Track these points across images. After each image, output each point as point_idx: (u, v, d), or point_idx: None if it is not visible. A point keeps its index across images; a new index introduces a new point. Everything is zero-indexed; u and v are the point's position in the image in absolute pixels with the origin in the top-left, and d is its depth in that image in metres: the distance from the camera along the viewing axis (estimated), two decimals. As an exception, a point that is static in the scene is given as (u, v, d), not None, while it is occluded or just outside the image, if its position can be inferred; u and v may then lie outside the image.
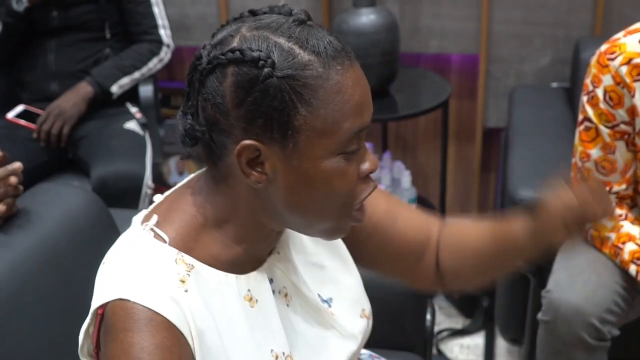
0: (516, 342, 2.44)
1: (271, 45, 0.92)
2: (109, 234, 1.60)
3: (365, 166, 1.01)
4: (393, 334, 1.71)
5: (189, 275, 0.99)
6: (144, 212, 1.07)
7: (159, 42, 2.65)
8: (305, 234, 1.08)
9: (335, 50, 0.94)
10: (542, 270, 2.08)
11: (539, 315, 1.78)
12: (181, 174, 3.26)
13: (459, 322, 2.68)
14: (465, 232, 1.27)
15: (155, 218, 1.03)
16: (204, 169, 1.05)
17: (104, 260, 1.04)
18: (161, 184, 2.74)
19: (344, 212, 1.01)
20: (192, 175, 1.10)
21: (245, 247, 1.04)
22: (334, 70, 0.93)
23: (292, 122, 0.92)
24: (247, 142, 0.93)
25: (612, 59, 1.70)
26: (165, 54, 2.67)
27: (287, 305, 1.10)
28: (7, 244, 1.41)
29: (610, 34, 1.82)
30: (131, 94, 2.64)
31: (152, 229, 1.01)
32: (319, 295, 1.14)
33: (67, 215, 1.54)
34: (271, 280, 1.09)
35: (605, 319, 1.69)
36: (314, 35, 0.94)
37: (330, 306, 1.15)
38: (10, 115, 2.50)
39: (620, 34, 1.74)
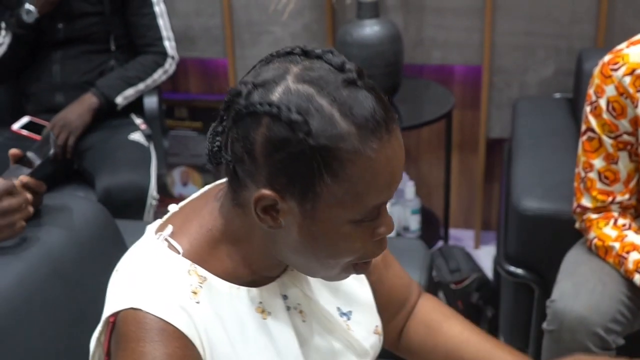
0: (521, 351, 2.43)
1: (312, 109, 0.89)
2: (116, 244, 1.61)
3: (381, 230, 0.98)
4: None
5: (201, 287, 0.99)
6: (158, 222, 1.07)
7: (163, 54, 2.66)
8: (306, 274, 1.07)
9: (377, 123, 0.90)
10: (546, 279, 2.08)
11: (544, 325, 1.78)
12: (185, 184, 3.27)
13: (463, 333, 2.67)
14: (448, 327, 1.27)
15: (170, 228, 1.03)
16: (225, 179, 1.04)
17: (117, 267, 1.04)
18: (165, 195, 2.75)
19: (347, 266, 1.01)
20: (211, 185, 1.10)
21: (255, 268, 1.04)
22: (370, 148, 0.90)
23: (315, 187, 0.91)
24: (267, 192, 0.92)
25: (616, 70, 1.71)
26: (170, 66, 2.68)
27: (304, 322, 1.10)
28: (14, 255, 1.42)
29: (612, 45, 1.83)
30: (136, 106, 2.65)
31: (166, 239, 1.02)
32: (338, 308, 1.15)
33: (73, 226, 1.54)
34: (285, 297, 1.08)
35: (610, 329, 1.69)
36: (360, 102, 0.91)
37: (349, 319, 1.15)
38: (16, 126, 2.51)
39: (623, 45, 1.75)
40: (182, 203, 1.10)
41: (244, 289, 1.03)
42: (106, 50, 2.64)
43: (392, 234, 2.87)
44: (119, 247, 1.61)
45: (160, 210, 2.54)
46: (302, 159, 0.89)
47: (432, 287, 1.77)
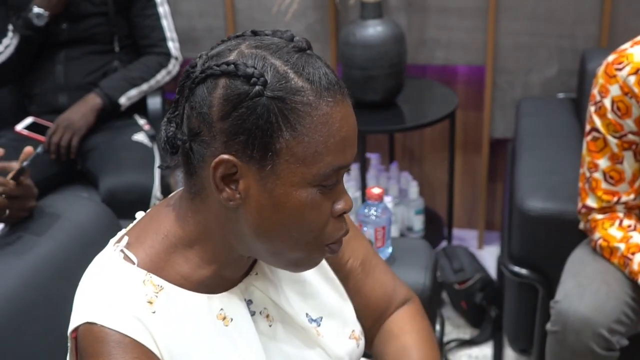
0: (525, 352, 2.43)
1: (267, 66, 0.92)
2: (119, 245, 1.61)
3: (340, 205, 0.99)
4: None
5: (157, 296, 0.99)
6: (120, 233, 1.07)
7: (167, 55, 2.66)
8: (271, 263, 1.05)
9: (330, 83, 0.94)
10: (550, 280, 2.08)
11: (548, 326, 1.78)
12: (189, 185, 3.27)
13: (467, 333, 2.68)
14: (395, 344, 1.24)
15: (125, 239, 1.03)
16: (182, 188, 1.04)
17: (80, 282, 1.04)
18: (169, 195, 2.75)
19: (312, 246, 0.99)
20: (171, 194, 1.10)
21: (215, 268, 1.03)
22: (325, 102, 0.93)
23: (274, 144, 0.92)
24: (226, 156, 0.93)
25: (620, 69, 1.71)
26: (173, 67, 2.68)
27: (270, 326, 1.09)
28: (18, 256, 1.42)
29: (616, 45, 1.83)
30: (139, 106, 2.65)
31: (122, 251, 1.01)
32: (307, 314, 1.13)
33: (78, 226, 1.54)
34: (250, 302, 1.08)
35: (614, 329, 1.69)
36: (311, 64, 0.94)
37: (319, 325, 1.14)
38: (19, 127, 2.51)
39: (627, 45, 1.75)
40: (149, 210, 1.10)
41: (203, 296, 1.02)
42: (110, 51, 2.64)
43: (396, 234, 2.89)
44: (123, 248, 1.61)
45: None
46: (259, 112, 0.91)
47: (436, 287, 1.77)
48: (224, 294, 1.05)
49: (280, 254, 1.00)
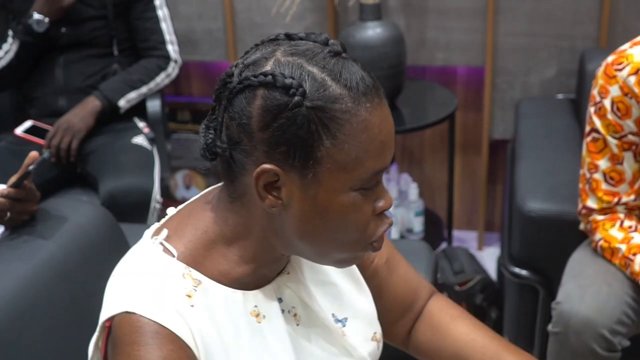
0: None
1: (304, 74, 0.92)
2: (120, 248, 1.60)
3: (381, 203, 1.00)
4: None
5: (195, 290, 0.99)
6: (155, 226, 1.08)
7: (166, 58, 2.66)
8: (315, 262, 1.07)
9: (367, 87, 0.94)
10: (550, 281, 2.08)
11: (550, 327, 1.78)
12: (188, 187, 3.27)
13: (467, 334, 2.67)
14: (455, 327, 1.27)
15: (165, 232, 1.03)
16: (220, 184, 1.05)
17: (113, 273, 1.04)
18: (169, 198, 2.75)
19: (356, 246, 1.01)
20: (207, 190, 1.10)
21: (254, 267, 1.04)
22: (364, 107, 0.93)
23: (315, 152, 0.92)
24: (267, 166, 0.93)
25: (620, 70, 1.71)
26: (172, 70, 2.68)
27: (297, 325, 1.10)
28: (19, 259, 1.42)
29: (615, 46, 1.83)
30: (139, 109, 2.65)
31: (161, 243, 1.02)
32: (333, 314, 1.14)
33: (78, 230, 1.54)
34: (280, 300, 1.08)
35: (615, 330, 1.69)
36: (348, 69, 0.94)
37: (344, 325, 1.15)
38: (19, 130, 2.51)
39: (626, 45, 1.75)
40: (180, 206, 1.10)
41: (239, 292, 1.03)
42: (109, 55, 2.64)
43: (396, 236, 2.88)
44: (123, 251, 1.59)
45: (164, 214, 2.55)
46: (299, 123, 0.91)
47: (437, 288, 1.76)
48: (258, 291, 1.05)
49: (325, 254, 1.01)
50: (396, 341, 1.30)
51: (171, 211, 1.10)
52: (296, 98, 0.91)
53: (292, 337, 1.08)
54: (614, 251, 1.78)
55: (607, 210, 1.81)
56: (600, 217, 1.82)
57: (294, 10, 2.84)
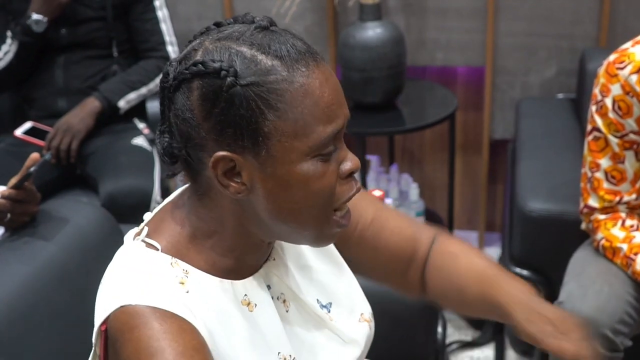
0: (526, 353, 2.43)
1: (233, 55, 0.92)
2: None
3: (346, 166, 0.99)
4: (405, 347, 1.70)
5: (187, 277, 0.99)
6: (134, 230, 1.07)
7: (166, 59, 2.66)
8: (292, 242, 1.06)
9: (299, 53, 0.94)
10: (551, 281, 2.07)
11: (551, 327, 1.77)
12: (188, 189, 3.26)
13: (468, 335, 2.67)
14: (456, 264, 1.25)
15: (145, 230, 1.03)
16: (187, 185, 1.05)
17: (102, 280, 1.03)
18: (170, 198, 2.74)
19: (326, 215, 0.99)
20: (176, 192, 1.10)
21: (237, 256, 1.03)
22: (299, 73, 0.93)
23: (262, 128, 0.92)
24: (221, 153, 0.93)
25: (622, 69, 1.70)
26: (172, 70, 2.68)
27: (287, 312, 1.10)
28: (19, 261, 1.42)
29: (615, 45, 1.83)
30: (139, 110, 2.65)
31: (143, 240, 1.02)
32: (317, 300, 1.14)
33: (78, 231, 1.54)
34: (269, 287, 1.08)
35: (617, 330, 1.69)
36: (277, 40, 0.94)
37: (329, 311, 1.15)
38: (18, 132, 2.50)
39: (628, 44, 1.74)
40: (155, 210, 1.10)
41: (227, 281, 1.02)
42: (109, 56, 2.64)
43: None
44: (124, 252, 1.61)
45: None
46: (238, 103, 0.91)
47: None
48: (246, 280, 1.05)
49: (299, 230, 1.00)
50: (412, 293, 1.29)
51: (148, 215, 1.09)
52: (229, 79, 0.91)
53: (284, 324, 1.08)
54: (615, 251, 1.78)
55: (609, 209, 1.81)
56: (601, 216, 1.82)
57: (294, 10, 2.84)
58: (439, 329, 1.83)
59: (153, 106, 2.66)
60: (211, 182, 0.97)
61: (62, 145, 2.47)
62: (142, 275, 0.97)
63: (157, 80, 2.62)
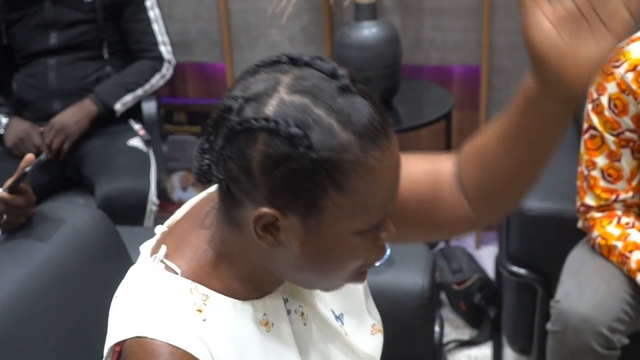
0: (524, 352, 2.43)
1: (310, 122, 0.85)
2: (117, 251, 1.60)
3: (383, 235, 0.96)
4: (402, 346, 1.70)
5: (205, 304, 0.97)
6: (150, 243, 1.05)
7: (160, 59, 2.66)
8: (305, 287, 1.05)
9: (376, 130, 0.88)
10: (549, 279, 2.07)
11: (548, 326, 1.78)
12: (185, 189, 3.27)
13: (466, 333, 2.67)
14: (480, 142, 1.13)
15: (164, 249, 1.00)
16: (211, 191, 1.02)
17: (117, 294, 1.02)
18: (165, 200, 2.74)
19: (351, 275, 0.99)
20: (199, 199, 1.07)
21: (257, 285, 1.01)
22: (371, 157, 0.88)
23: (319, 202, 0.88)
24: (268, 210, 0.88)
25: (617, 67, 1.70)
26: (167, 70, 2.68)
27: (304, 325, 1.07)
28: (16, 263, 1.41)
29: (611, 43, 1.82)
30: (134, 111, 2.65)
31: (162, 261, 0.99)
32: (332, 310, 1.11)
33: (74, 233, 1.54)
34: (286, 300, 1.06)
35: (614, 328, 1.69)
36: (357, 109, 0.88)
37: (343, 324, 1.12)
38: None
39: (624, 42, 1.74)
40: (168, 222, 1.07)
41: (247, 303, 1.00)
42: (100, 58, 2.63)
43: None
44: (120, 253, 1.61)
45: (160, 216, 2.54)
46: (304, 174, 0.86)
47: (435, 288, 1.76)
48: (266, 298, 1.03)
49: (317, 283, 1.00)
50: (460, 224, 1.10)
51: (160, 229, 1.06)
52: (301, 150, 0.85)
53: (300, 339, 1.06)
54: (611, 248, 1.78)
55: (605, 207, 1.81)
56: (598, 215, 1.82)
57: (290, 10, 2.84)
58: (437, 328, 1.83)
59: (149, 107, 2.66)
60: (245, 221, 0.92)
61: (54, 144, 2.47)
62: (162, 304, 0.95)
63: (153, 81, 2.63)
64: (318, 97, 0.87)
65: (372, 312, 1.18)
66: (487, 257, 2.99)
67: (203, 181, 0.95)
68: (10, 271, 1.40)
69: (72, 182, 2.60)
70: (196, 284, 0.97)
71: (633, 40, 1.73)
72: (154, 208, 2.42)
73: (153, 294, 0.96)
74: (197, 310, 0.96)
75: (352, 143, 0.86)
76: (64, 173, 2.58)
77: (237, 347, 0.98)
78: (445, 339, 2.61)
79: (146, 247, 1.05)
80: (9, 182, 1.52)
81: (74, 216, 1.58)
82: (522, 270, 2.14)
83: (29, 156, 1.52)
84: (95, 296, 1.49)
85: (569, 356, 1.73)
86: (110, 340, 0.97)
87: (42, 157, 1.59)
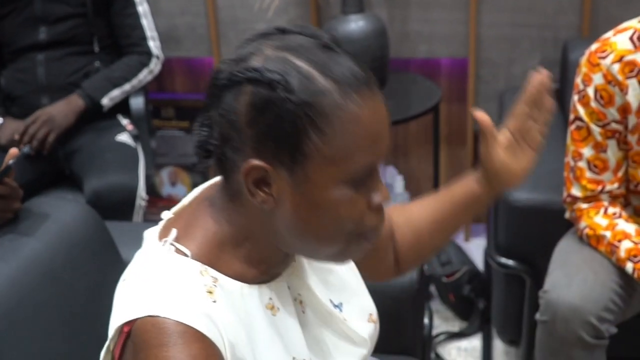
0: (513, 343, 2.44)
1: (290, 69, 0.91)
2: (106, 246, 1.60)
3: (376, 197, 0.98)
4: (392, 338, 1.71)
5: (215, 286, 0.99)
6: (157, 228, 1.07)
7: (148, 54, 2.65)
8: (312, 259, 1.07)
9: (356, 79, 0.92)
10: (537, 270, 2.08)
11: (537, 316, 1.78)
12: (174, 184, 3.26)
13: (455, 325, 2.68)
14: (416, 218, 1.31)
15: (174, 232, 1.02)
16: (216, 179, 1.04)
17: (124, 277, 1.03)
18: (154, 196, 2.74)
19: (351, 239, 0.99)
20: (203, 187, 1.09)
21: (264, 266, 1.04)
22: (352, 101, 0.91)
23: (303, 147, 0.91)
24: (255, 162, 0.92)
25: (603, 58, 1.71)
26: (155, 65, 2.67)
27: (303, 312, 1.10)
28: (3, 259, 1.41)
29: (597, 35, 1.83)
30: (122, 106, 2.64)
31: (172, 244, 1.01)
32: (330, 300, 1.14)
33: (63, 228, 1.53)
34: (288, 287, 1.08)
35: (603, 317, 1.70)
36: (337, 61, 0.93)
37: (341, 311, 1.15)
38: None
39: (609, 34, 1.75)
40: (175, 209, 1.09)
41: (254, 286, 1.03)
42: (90, 52, 2.63)
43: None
44: (109, 249, 1.60)
45: (149, 211, 2.55)
46: (286, 119, 0.90)
47: (424, 280, 1.77)
48: (272, 283, 1.05)
49: (319, 249, 1.01)
50: (389, 273, 1.35)
51: (166, 214, 1.09)
52: (282, 93, 0.89)
53: (301, 325, 1.08)
54: (599, 238, 1.79)
55: (591, 198, 1.82)
56: (584, 205, 1.82)
57: (277, 4, 2.84)
58: (426, 321, 1.83)
59: (136, 102, 2.65)
60: (241, 186, 0.96)
61: (39, 134, 2.45)
62: (173, 285, 0.97)
63: (141, 76, 2.62)
64: (300, 52, 0.93)
65: (369, 304, 1.21)
66: (476, 249, 3.00)
67: (202, 154, 0.99)
68: (-2, 267, 1.39)
69: (61, 177, 2.59)
70: (206, 266, 1.00)
71: (619, 31, 1.73)
72: (143, 203, 2.42)
73: (164, 275, 0.98)
74: (208, 292, 0.98)
75: (331, 89, 0.91)
76: (53, 169, 2.57)
77: (246, 329, 1.00)
78: (435, 331, 2.62)
79: (152, 232, 1.07)
80: None
81: (62, 212, 1.57)
82: (510, 262, 2.15)
83: (13, 150, 1.51)
84: (83, 291, 1.48)
85: (558, 346, 1.74)
86: (118, 321, 0.97)
87: (25, 149, 1.58)
